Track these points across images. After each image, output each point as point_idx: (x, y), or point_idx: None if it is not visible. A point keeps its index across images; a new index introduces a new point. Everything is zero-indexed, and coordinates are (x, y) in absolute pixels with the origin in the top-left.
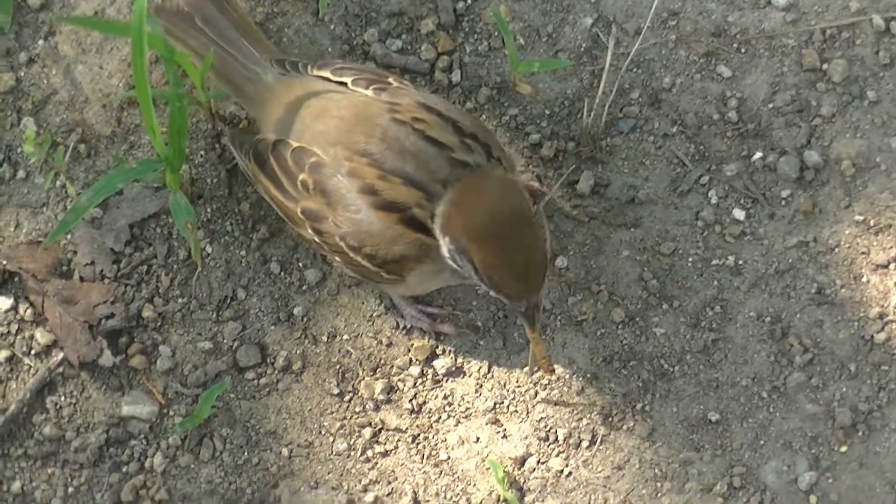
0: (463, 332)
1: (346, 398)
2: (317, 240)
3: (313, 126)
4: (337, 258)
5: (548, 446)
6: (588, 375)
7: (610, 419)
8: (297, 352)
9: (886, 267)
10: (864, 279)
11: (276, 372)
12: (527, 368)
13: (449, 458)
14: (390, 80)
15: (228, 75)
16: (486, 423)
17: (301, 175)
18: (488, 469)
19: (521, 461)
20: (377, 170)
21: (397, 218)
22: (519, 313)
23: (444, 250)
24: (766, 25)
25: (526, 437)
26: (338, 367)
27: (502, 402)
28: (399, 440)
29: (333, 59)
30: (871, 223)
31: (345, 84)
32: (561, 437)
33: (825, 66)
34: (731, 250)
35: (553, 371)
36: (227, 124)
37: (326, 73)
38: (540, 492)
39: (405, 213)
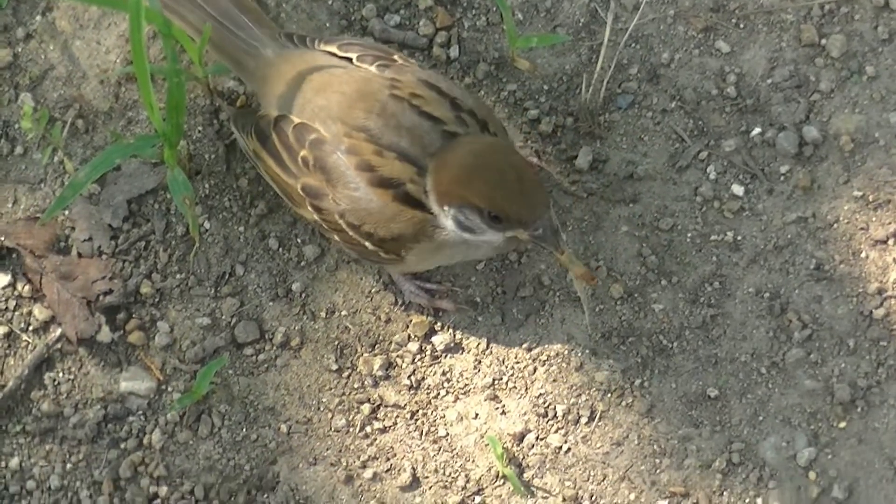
0: (461, 308)
1: (345, 374)
2: (316, 217)
3: (315, 100)
4: (336, 236)
5: (547, 422)
6: (587, 351)
7: (609, 395)
8: (296, 328)
9: (885, 242)
10: (863, 255)
11: (275, 348)
12: (525, 345)
13: (448, 434)
14: (395, 56)
15: (227, 50)
16: (485, 400)
17: (302, 151)
18: (487, 445)
19: (520, 437)
20: (374, 145)
21: (392, 195)
22: (540, 242)
23: (449, 222)
24: (765, 1)
25: (525, 414)
26: (336, 343)
27: (501, 379)
28: (398, 416)
29: (342, 34)
30: (870, 199)
31: (349, 60)
32: (560, 414)
33: (824, 41)
34: (730, 226)
35: (596, 280)
36: (225, 100)
37: (333, 48)
38: (539, 468)
39: (399, 190)
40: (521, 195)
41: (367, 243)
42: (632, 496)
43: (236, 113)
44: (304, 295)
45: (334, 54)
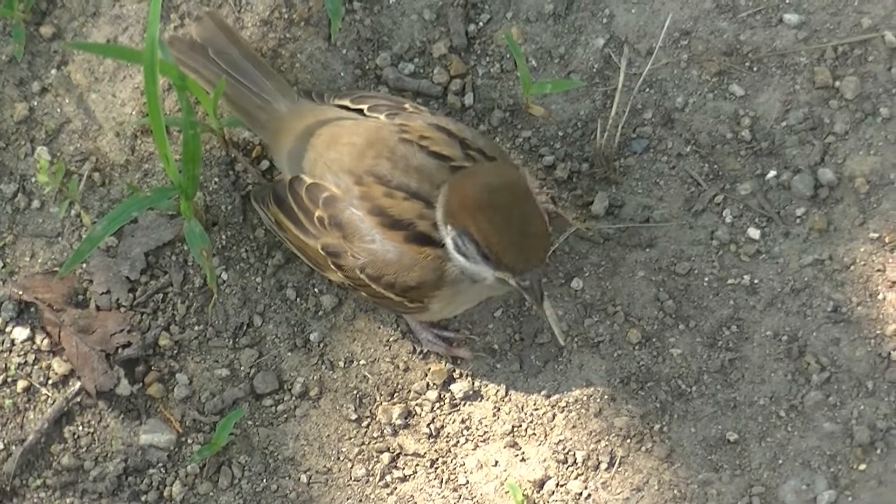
0: (479, 356)
1: (364, 423)
2: (341, 276)
3: (326, 154)
4: (363, 293)
5: (566, 469)
6: (605, 397)
7: (628, 441)
8: (315, 378)
9: None
10: (881, 296)
11: (294, 398)
12: (544, 391)
13: (468, 482)
14: (406, 105)
15: (240, 104)
16: (505, 447)
17: (317, 211)
18: (507, 493)
19: (541, 484)
20: (384, 187)
21: (404, 236)
22: (524, 293)
23: (449, 243)
24: (778, 44)
25: (544, 460)
26: (355, 392)
27: (520, 426)
28: (417, 465)
29: (355, 83)
30: (887, 240)
31: (361, 111)
32: (580, 460)
33: (837, 83)
34: (747, 269)
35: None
36: (241, 150)
37: (346, 102)
38: None
39: (410, 230)
40: (520, 245)
41: (391, 295)
42: None
43: (256, 190)
44: (322, 345)
45: (346, 107)
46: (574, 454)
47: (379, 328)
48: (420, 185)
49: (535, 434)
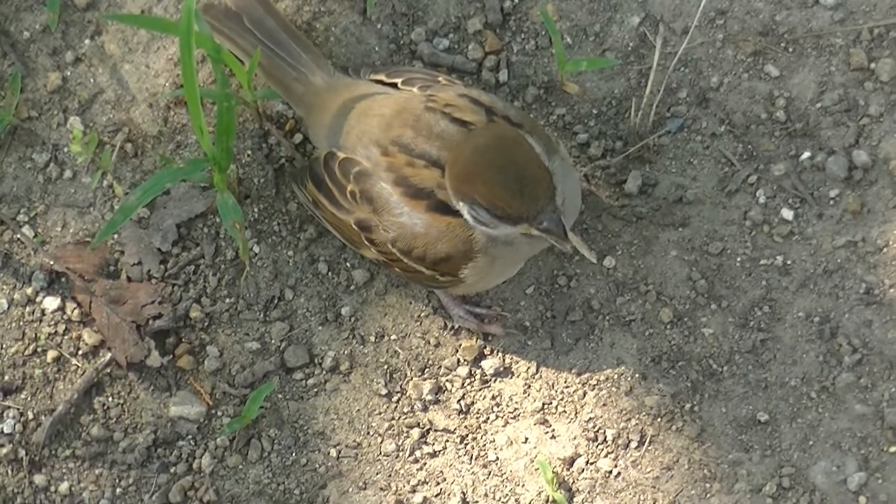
0: (511, 333)
1: (395, 398)
2: (374, 252)
3: (357, 126)
4: (396, 268)
5: (597, 447)
6: (636, 376)
7: (658, 419)
8: (345, 352)
9: None
10: None
11: (324, 372)
12: (575, 369)
13: (497, 458)
14: (440, 78)
15: (277, 76)
16: (535, 424)
17: (349, 186)
18: (537, 470)
19: (570, 462)
20: (407, 156)
21: (426, 206)
22: (547, 235)
23: (467, 217)
24: (814, 24)
25: (575, 438)
26: (386, 367)
27: (551, 403)
28: (447, 441)
29: (390, 57)
30: None
31: (395, 85)
32: (610, 438)
33: (873, 65)
34: (780, 250)
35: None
36: (274, 123)
37: (381, 77)
38: (589, 492)
39: (431, 199)
40: (520, 193)
41: (422, 268)
42: None
43: (293, 170)
44: (353, 319)
45: (382, 81)
46: (604, 432)
47: (410, 303)
48: (440, 154)
49: (565, 411)
